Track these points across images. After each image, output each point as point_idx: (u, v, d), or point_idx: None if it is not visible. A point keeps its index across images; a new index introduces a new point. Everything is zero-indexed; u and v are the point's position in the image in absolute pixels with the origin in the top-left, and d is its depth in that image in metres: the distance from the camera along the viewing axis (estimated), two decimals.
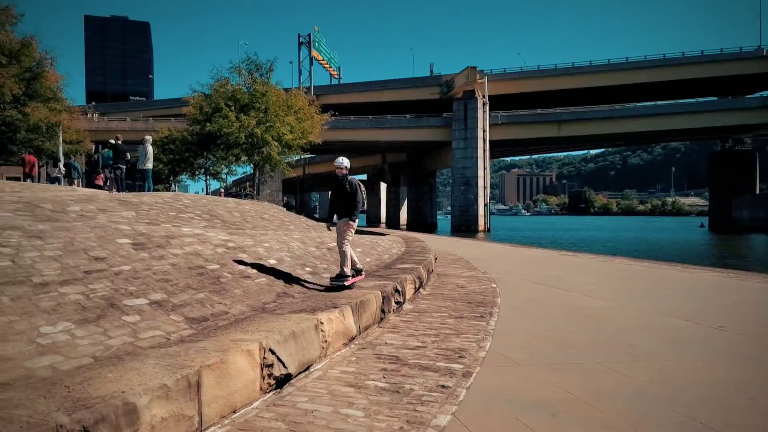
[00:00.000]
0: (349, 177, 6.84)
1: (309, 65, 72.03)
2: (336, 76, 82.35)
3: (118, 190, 14.96)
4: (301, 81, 68.99)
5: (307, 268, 7.89)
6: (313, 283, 7.09)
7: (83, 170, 24.19)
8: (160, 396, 2.88)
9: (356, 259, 7.02)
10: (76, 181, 20.28)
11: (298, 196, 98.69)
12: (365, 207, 6.92)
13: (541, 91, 63.03)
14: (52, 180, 19.66)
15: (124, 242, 6.21)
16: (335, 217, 6.98)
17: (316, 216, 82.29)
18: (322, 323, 4.80)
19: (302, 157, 50.30)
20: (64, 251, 5.28)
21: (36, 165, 20.94)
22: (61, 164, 20.50)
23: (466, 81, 56.94)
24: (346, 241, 6.74)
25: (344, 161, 6.88)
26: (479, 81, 56.84)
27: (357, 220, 6.84)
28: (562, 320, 6.72)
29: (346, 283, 6.59)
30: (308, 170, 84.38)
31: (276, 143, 27.27)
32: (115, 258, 5.57)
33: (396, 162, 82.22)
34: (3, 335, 3.46)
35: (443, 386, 4.09)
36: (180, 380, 3.04)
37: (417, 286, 8.38)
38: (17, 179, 24.29)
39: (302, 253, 8.77)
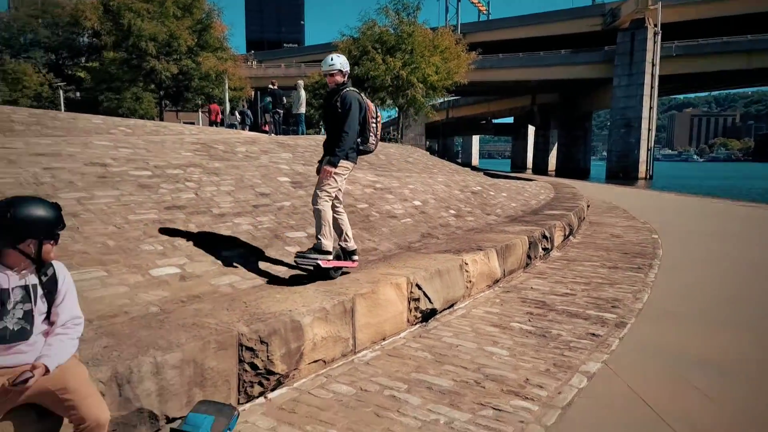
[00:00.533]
0: (345, 90, 4.06)
1: (456, 1, 69.36)
2: (484, 12, 78.45)
3: (276, 133, 16.23)
4: (448, 19, 67.00)
5: (451, 211, 7.93)
6: (457, 227, 7.11)
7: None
8: (320, 318, 3.17)
9: (350, 235, 4.24)
10: (247, 128, 22.50)
11: (441, 140, 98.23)
12: (375, 139, 4.22)
13: (726, 16, 53.46)
14: (229, 125, 21.96)
15: (284, 180, 6.78)
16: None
17: (459, 161, 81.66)
18: (466, 264, 4.83)
19: (445, 99, 49.51)
20: (236, 187, 5.92)
21: (219, 112, 23.47)
22: (237, 112, 22.79)
23: (636, 8, 50.40)
24: (324, 193, 3.98)
25: (336, 61, 4.09)
26: (651, 7, 49.90)
27: (351, 161, 4.10)
28: (736, 276, 5.95)
29: (322, 264, 3.94)
30: (451, 114, 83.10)
31: (421, 85, 27.12)
32: (277, 195, 6.12)
33: (546, 103, 77.16)
34: (191, 256, 4.04)
35: (593, 334, 3.91)
36: (337, 305, 3.31)
37: (566, 233, 7.98)
38: (191, 123, 27.54)
39: (446, 196, 8.81)
